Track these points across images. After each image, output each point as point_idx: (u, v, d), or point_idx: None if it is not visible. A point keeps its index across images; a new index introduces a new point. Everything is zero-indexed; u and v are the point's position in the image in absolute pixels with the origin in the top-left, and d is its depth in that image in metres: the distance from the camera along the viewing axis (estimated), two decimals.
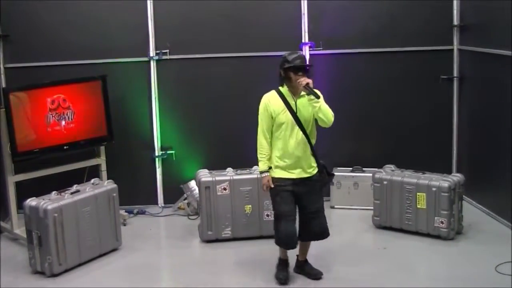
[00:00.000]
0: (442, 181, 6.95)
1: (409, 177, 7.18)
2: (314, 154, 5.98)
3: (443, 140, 8.45)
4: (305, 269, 6.24)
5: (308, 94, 5.73)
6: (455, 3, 8.16)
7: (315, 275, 6.17)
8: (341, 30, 8.22)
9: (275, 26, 8.20)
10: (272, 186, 5.90)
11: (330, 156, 8.19)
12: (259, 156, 5.98)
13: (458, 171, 8.18)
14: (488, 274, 6.08)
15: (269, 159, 5.95)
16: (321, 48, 8.19)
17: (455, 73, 8.28)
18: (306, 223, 6.03)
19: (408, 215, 7.12)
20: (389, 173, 7.36)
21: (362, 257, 6.72)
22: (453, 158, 8.47)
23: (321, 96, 5.75)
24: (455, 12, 8.17)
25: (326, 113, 5.74)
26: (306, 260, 6.26)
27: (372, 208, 7.45)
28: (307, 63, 5.94)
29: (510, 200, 7.21)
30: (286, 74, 5.80)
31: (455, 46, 8.25)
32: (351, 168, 8.20)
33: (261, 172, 5.98)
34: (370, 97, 8.36)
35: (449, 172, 7.63)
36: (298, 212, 6.03)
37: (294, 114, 5.83)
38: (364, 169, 8.12)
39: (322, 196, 6.17)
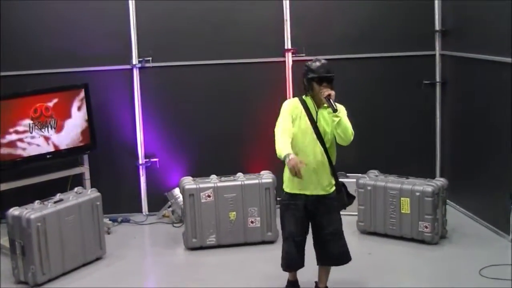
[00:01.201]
0: (425, 186, 6.97)
1: (393, 182, 7.20)
2: (333, 171, 5.52)
3: (426, 145, 8.48)
4: None
5: (327, 107, 5.31)
6: (436, 8, 8.20)
7: None
8: (324, 35, 8.24)
9: (258, 32, 8.21)
10: (304, 165, 5.11)
11: None
12: (278, 144, 5.19)
13: (441, 175, 8.21)
14: (473, 278, 6.09)
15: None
16: (304, 54, 8.19)
17: (438, 78, 8.32)
18: (323, 245, 5.54)
19: (392, 220, 7.13)
20: (373, 178, 7.37)
21: None
22: (436, 162, 8.50)
23: (344, 111, 5.37)
24: (436, 17, 8.21)
25: (345, 130, 5.32)
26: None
27: (356, 213, 7.45)
28: (333, 71, 5.39)
29: (493, 204, 7.25)
30: (310, 84, 5.38)
31: (437, 51, 8.29)
32: None
33: (285, 157, 5.06)
34: (352, 102, 8.22)
35: (432, 176, 7.66)
36: (314, 234, 5.57)
37: (314, 123, 5.39)
38: (348, 174, 8.11)
39: (340, 217, 5.61)
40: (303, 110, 5.43)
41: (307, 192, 5.45)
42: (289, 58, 8.21)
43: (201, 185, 7.13)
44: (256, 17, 8.21)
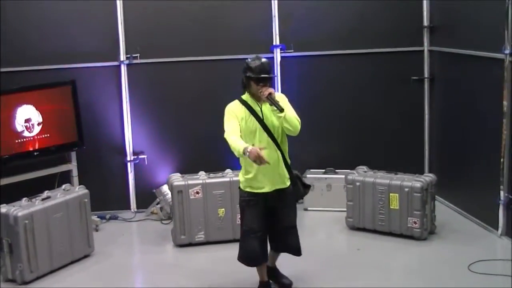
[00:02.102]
0: (414, 182, 6.98)
1: (382, 178, 7.20)
2: (286, 164, 5.64)
3: (414, 141, 8.49)
4: (276, 276, 6.04)
5: (270, 105, 5.36)
6: (424, 4, 8.21)
7: (287, 285, 5.98)
8: (312, 32, 8.24)
9: (246, 29, 8.20)
10: (265, 161, 5.12)
11: (302, 158, 8.23)
12: (232, 144, 5.27)
13: (430, 171, 8.22)
14: (462, 273, 6.11)
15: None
16: (292, 50, 8.19)
17: (426, 74, 8.33)
18: (282, 237, 5.71)
19: (381, 216, 7.14)
20: (361, 174, 7.37)
21: (336, 258, 6.72)
22: (425, 158, 8.52)
23: (285, 99, 5.49)
24: (425, 13, 8.21)
25: (291, 122, 5.35)
26: (275, 267, 6.07)
27: (345, 209, 7.45)
28: (271, 71, 5.50)
29: (481, 199, 7.27)
30: (248, 82, 5.48)
31: (425, 47, 8.29)
32: (323, 170, 8.20)
33: (244, 152, 5.13)
34: (341, 98, 8.38)
35: (421, 172, 7.67)
36: (272, 226, 5.67)
37: (261, 121, 5.48)
38: (336, 170, 8.13)
39: (296, 211, 5.80)
40: (246, 110, 5.50)
41: (266, 190, 5.55)
42: (277, 55, 8.19)
43: (190, 182, 7.11)
44: (245, 13, 8.21)
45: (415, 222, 6.93)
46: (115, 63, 8.11)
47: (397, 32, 8.28)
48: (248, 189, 5.61)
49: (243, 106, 5.52)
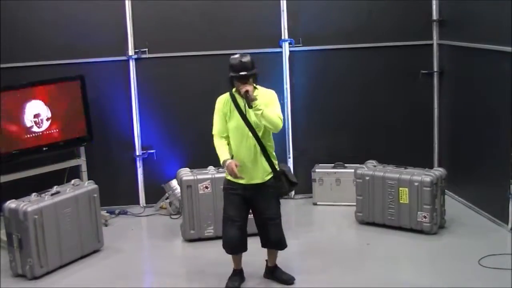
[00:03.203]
0: (424, 176, 6.95)
1: (391, 172, 7.18)
2: (269, 159, 5.71)
3: (424, 135, 8.46)
4: (275, 274, 6.05)
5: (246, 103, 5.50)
6: None
7: (287, 281, 5.97)
8: (321, 26, 8.21)
9: (255, 23, 8.18)
10: (238, 175, 5.51)
11: (310, 152, 8.24)
12: (216, 151, 5.69)
13: (439, 165, 8.18)
14: (472, 268, 6.08)
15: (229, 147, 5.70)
16: (301, 45, 8.17)
17: (435, 68, 8.29)
18: (263, 229, 5.82)
19: (390, 211, 7.12)
20: (371, 168, 7.35)
21: (345, 253, 6.70)
22: (435, 152, 8.48)
23: (273, 101, 5.61)
24: (434, 6, 8.17)
25: (270, 121, 5.47)
26: (275, 266, 6.07)
27: (354, 204, 7.43)
28: (251, 68, 5.54)
29: (491, 193, 7.24)
30: (231, 80, 5.63)
31: (435, 40, 8.25)
32: (332, 165, 8.18)
33: (223, 164, 5.58)
34: (350, 92, 8.35)
35: (430, 166, 7.64)
36: (254, 218, 5.84)
37: (244, 116, 5.62)
38: (346, 165, 8.11)
39: (277, 204, 5.83)
40: (232, 105, 5.66)
41: (244, 182, 5.67)
42: (286, 49, 8.17)
43: (199, 177, 7.11)
44: (253, 8, 8.18)
45: (424, 217, 6.91)
46: (124, 58, 8.11)
47: (406, 25, 8.24)
48: (228, 177, 5.75)
49: (230, 100, 5.70)
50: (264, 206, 5.75)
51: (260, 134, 5.64)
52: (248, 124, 5.61)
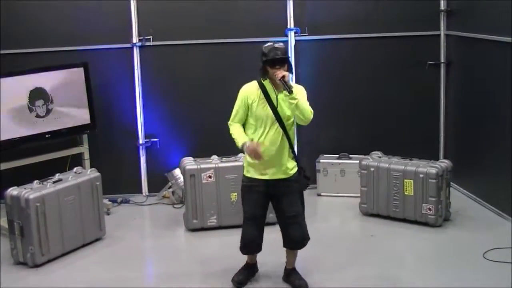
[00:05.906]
0: (429, 168, 6.90)
1: (396, 163, 7.13)
2: (294, 154, 5.57)
3: (430, 126, 8.40)
4: (290, 278, 5.80)
5: (283, 89, 5.26)
6: None
7: (299, 286, 5.74)
8: (327, 15, 8.15)
9: (260, 11, 8.11)
10: (261, 150, 5.32)
11: (315, 143, 8.20)
12: (233, 135, 5.54)
13: (445, 157, 8.15)
14: (476, 261, 6.06)
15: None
16: (307, 34, 8.11)
17: (442, 59, 8.23)
18: (285, 228, 5.59)
19: (395, 202, 7.08)
20: (376, 160, 7.30)
21: (349, 245, 6.68)
22: (440, 144, 8.43)
23: (303, 92, 5.43)
24: None
25: (303, 111, 5.30)
26: (293, 269, 5.82)
27: (359, 195, 7.40)
28: (285, 53, 5.39)
29: (497, 186, 7.20)
30: (264, 68, 5.38)
31: (442, 31, 8.18)
32: (337, 155, 8.14)
33: (243, 146, 5.40)
34: (356, 83, 8.29)
35: (436, 158, 7.60)
36: (277, 217, 5.65)
37: (274, 109, 5.40)
38: (350, 156, 8.07)
39: (301, 200, 5.64)
40: (261, 94, 5.46)
41: (267, 177, 5.51)
42: (292, 38, 8.11)
43: (202, 166, 7.07)
44: None
45: (429, 209, 6.87)
46: (128, 45, 8.06)
47: (413, 16, 8.16)
48: (249, 175, 5.59)
49: (259, 89, 5.47)
50: (290, 202, 5.53)
51: (288, 127, 5.48)
52: (277, 116, 5.41)
